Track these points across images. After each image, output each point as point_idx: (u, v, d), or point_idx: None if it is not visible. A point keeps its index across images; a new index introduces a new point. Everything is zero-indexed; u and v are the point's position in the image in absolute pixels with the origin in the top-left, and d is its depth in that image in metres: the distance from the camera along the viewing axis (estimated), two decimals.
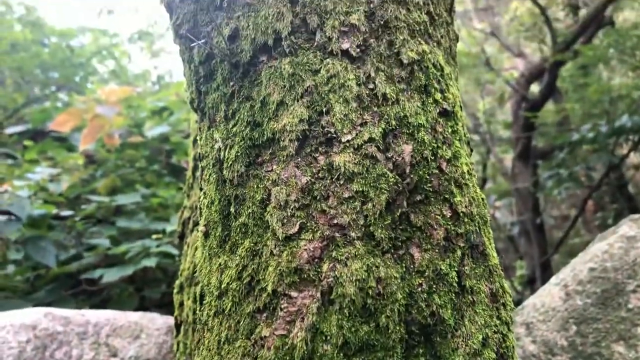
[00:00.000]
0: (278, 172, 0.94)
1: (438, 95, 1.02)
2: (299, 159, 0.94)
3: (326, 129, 0.94)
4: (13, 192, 3.98)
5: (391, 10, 1.01)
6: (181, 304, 1.80)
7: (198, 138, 1.13)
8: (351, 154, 0.93)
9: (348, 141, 0.94)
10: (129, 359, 2.66)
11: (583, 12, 8.64)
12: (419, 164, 0.96)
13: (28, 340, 2.46)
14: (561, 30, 8.74)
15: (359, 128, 0.94)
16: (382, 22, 1.00)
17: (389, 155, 0.95)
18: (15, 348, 2.42)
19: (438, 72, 1.04)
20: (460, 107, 1.11)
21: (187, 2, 1.09)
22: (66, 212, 4.43)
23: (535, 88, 8.85)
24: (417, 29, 1.04)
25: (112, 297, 4.50)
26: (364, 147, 0.94)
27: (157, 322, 2.91)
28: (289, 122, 0.95)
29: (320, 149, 0.94)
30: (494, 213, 9.40)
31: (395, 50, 1.00)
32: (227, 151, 1.00)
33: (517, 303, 8.40)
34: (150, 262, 3.84)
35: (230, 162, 0.99)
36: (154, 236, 4.18)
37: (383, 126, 0.96)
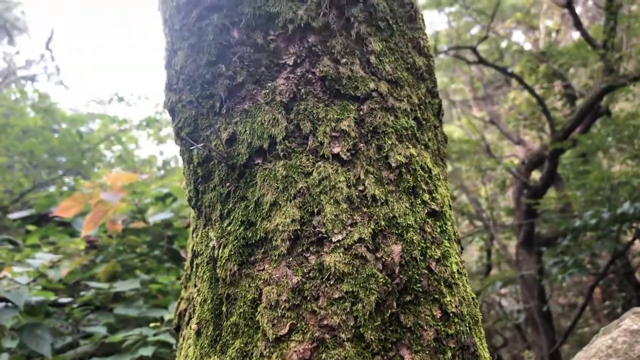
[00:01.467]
0: (270, 271, 0.96)
1: (426, 196, 1.06)
2: (291, 259, 0.96)
3: (317, 229, 0.97)
4: (12, 278, 3.97)
5: (380, 117, 1.07)
6: None
7: (194, 235, 1.15)
8: (341, 254, 0.95)
9: (339, 241, 0.96)
10: None
11: (580, 102, 8.89)
12: (408, 264, 0.97)
13: None
14: (559, 119, 8.96)
15: (349, 228, 0.97)
16: (371, 128, 1.06)
17: (379, 256, 0.97)
18: None
19: (426, 173, 1.08)
20: (450, 206, 1.14)
21: (188, 107, 1.15)
22: (64, 299, 4.39)
23: (536, 175, 8.95)
24: (405, 133, 1.09)
25: None
26: (354, 247, 0.96)
27: None
28: (281, 222, 0.98)
29: (311, 248, 0.96)
30: (500, 301, 9.25)
31: (384, 154, 1.05)
32: (220, 250, 1.02)
33: None
34: (147, 352, 3.77)
35: (223, 261, 1.01)
36: (152, 324, 4.12)
37: (372, 226, 0.98)
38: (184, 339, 1.88)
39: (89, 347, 4.25)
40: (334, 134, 1.03)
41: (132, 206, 5.00)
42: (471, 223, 9.48)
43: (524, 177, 8.35)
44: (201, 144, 1.07)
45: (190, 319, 1.88)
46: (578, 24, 7.36)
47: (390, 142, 1.05)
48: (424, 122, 1.15)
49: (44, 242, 5.32)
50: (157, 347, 3.87)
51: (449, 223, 1.09)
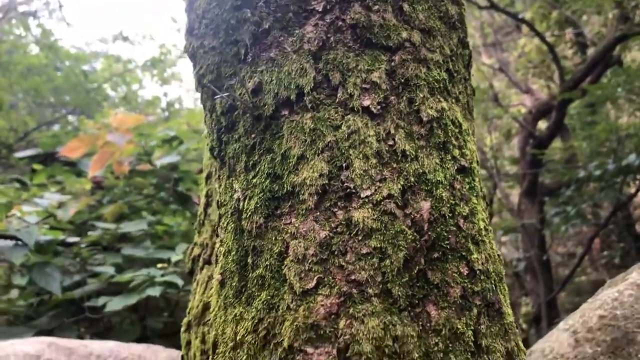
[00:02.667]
0: (297, 225, 0.95)
1: (456, 152, 1.03)
2: (318, 213, 0.95)
3: (345, 184, 0.95)
4: (21, 217, 3.99)
5: (412, 69, 1.03)
6: (188, 343, 1.80)
7: (217, 186, 1.14)
8: (370, 210, 0.94)
9: (367, 197, 0.94)
10: None
11: (591, 51, 8.72)
12: (437, 221, 0.96)
13: None
14: (569, 68, 8.82)
15: (378, 184, 0.95)
16: (402, 80, 1.02)
17: (408, 212, 0.95)
18: None
19: (456, 129, 1.06)
20: (477, 162, 1.12)
21: (211, 54, 1.11)
22: (72, 239, 4.44)
23: (542, 125, 8.88)
24: (437, 86, 1.06)
25: (114, 325, 4.48)
26: (382, 203, 0.94)
27: (160, 355, 2.89)
28: (309, 176, 0.96)
29: (339, 203, 0.95)
30: (500, 248, 9.37)
31: (415, 108, 1.02)
32: (246, 202, 1.01)
33: (523, 341, 8.37)
34: (155, 292, 3.83)
35: (249, 213, 1.00)
36: (159, 265, 4.17)
37: (402, 183, 0.97)
38: (197, 284, 1.90)
39: (97, 285, 4.32)
40: (364, 85, 1.00)
41: (139, 148, 4.99)
42: None
43: (531, 126, 8.28)
44: (225, 94, 1.03)
45: (205, 264, 1.89)
46: None
47: (422, 96, 1.02)
48: (455, 75, 1.11)
49: (51, 182, 5.33)
50: (164, 287, 3.93)
51: (476, 179, 1.07)
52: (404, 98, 1.01)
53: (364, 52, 1.02)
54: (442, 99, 1.05)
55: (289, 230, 0.95)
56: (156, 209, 5.29)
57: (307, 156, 0.97)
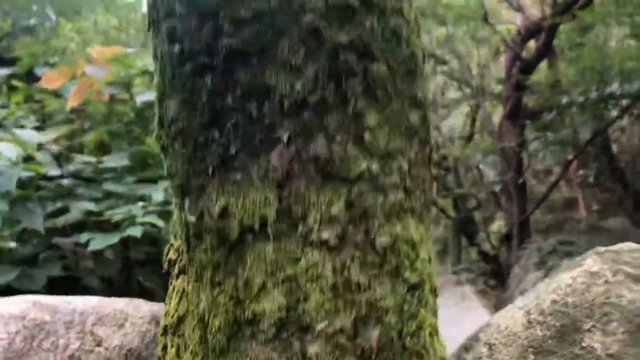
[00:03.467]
0: (257, 351, 1.05)
1: (407, 273, 1.11)
2: (277, 343, 1.04)
3: (302, 317, 1.04)
4: None
5: (369, 199, 1.08)
6: (165, 347, 1.93)
7: (186, 278, 1.21)
8: (323, 344, 1.03)
9: (321, 329, 1.04)
10: (114, 348, 2.82)
11: None
12: (385, 346, 1.06)
13: (17, 332, 2.59)
14: None
15: (332, 316, 1.04)
16: (360, 212, 1.08)
17: (358, 342, 1.05)
18: (5, 339, 2.55)
19: (410, 247, 1.13)
20: (430, 260, 1.20)
21: (180, 159, 1.14)
22: (54, 172, 4.46)
23: (531, 45, 8.75)
24: (393, 210, 1.11)
25: (97, 256, 4.62)
26: (335, 337, 1.04)
27: (141, 310, 3.06)
28: (269, 308, 1.04)
29: (296, 334, 1.04)
30: (479, 165, 9.56)
31: (371, 237, 1.08)
32: (211, 318, 1.10)
33: (494, 258, 8.58)
34: (136, 232, 3.92)
35: (214, 330, 1.09)
36: (140, 203, 4.24)
37: (354, 313, 1.05)
38: (173, 291, 2.01)
39: (79, 214, 4.39)
40: (324, 219, 1.05)
41: (118, 78, 4.90)
42: (460, 89, 9.45)
43: (519, 48, 8.18)
44: (191, 216, 1.09)
45: (179, 273, 1.99)
46: None
47: (377, 223, 1.08)
48: (413, 188, 1.16)
49: (29, 107, 5.27)
50: (146, 227, 4.02)
51: (426, 287, 1.16)
52: (361, 229, 1.08)
53: (326, 184, 1.07)
54: (397, 222, 1.11)
55: (250, 355, 1.05)
56: (137, 135, 5.27)
57: (268, 286, 1.05)
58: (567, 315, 2.56)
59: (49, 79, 4.67)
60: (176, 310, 1.91)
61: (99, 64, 4.70)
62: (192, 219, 1.13)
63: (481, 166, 9.52)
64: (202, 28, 1.05)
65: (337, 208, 1.06)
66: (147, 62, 5.01)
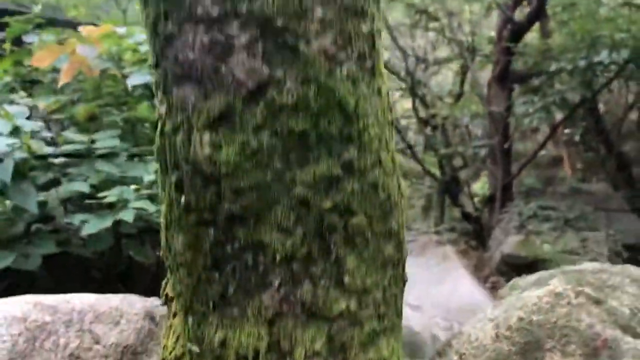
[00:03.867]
0: None
1: None
2: None
3: None
4: None
5: (348, 333, 1.26)
6: None
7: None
8: None
9: None
10: (111, 345, 3.03)
11: None
12: None
13: (20, 333, 2.75)
14: None
15: None
16: (339, 345, 1.26)
17: None
18: (8, 341, 2.73)
19: None
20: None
21: (185, 288, 1.32)
22: (47, 150, 4.53)
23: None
24: (368, 339, 1.30)
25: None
26: None
27: (135, 307, 3.24)
28: None
29: None
30: (468, 126, 9.70)
31: None
32: None
33: (476, 219, 8.78)
34: (128, 216, 4.03)
35: None
36: (132, 186, 4.34)
37: None
38: (170, 329, 2.22)
39: (72, 192, 4.47)
40: (308, 354, 1.24)
41: (109, 54, 4.94)
42: (450, 46, 9.45)
43: (511, 10, 8.17)
44: (194, 334, 1.28)
45: (174, 315, 2.19)
46: None
47: (353, 354, 1.27)
48: (386, 312, 1.35)
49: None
50: (137, 211, 4.13)
51: None
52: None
53: (310, 322, 1.25)
54: (370, 347, 1.30)
55: None
56: (129, 103, 5.29)
57: None
58: (532, 333, 2.76)
59: (39, 58, 4.71)
60: (173, 348, 2.13)
61: (90, 43, 4.73)
62: (195, 348, 1.32)
63: (469, 125, 9.64)
64: (207, 192, 1.21)
65: (320, 344, 1.25)
66: (137, 39, 5.03)
